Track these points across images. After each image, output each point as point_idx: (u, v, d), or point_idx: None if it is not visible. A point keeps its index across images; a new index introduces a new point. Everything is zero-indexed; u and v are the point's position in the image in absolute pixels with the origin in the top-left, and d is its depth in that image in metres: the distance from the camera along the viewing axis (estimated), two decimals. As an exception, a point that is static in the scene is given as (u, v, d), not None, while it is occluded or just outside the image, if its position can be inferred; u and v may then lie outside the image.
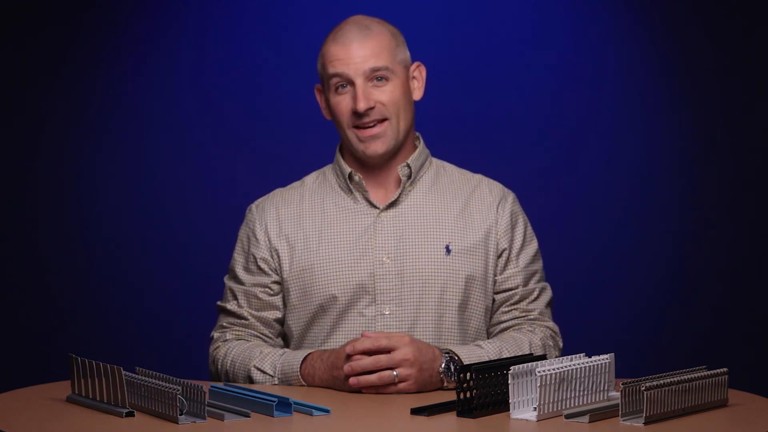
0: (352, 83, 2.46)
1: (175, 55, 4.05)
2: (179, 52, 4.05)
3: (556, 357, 2.45)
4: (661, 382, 1.92)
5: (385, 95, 2.47)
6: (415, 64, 2.55)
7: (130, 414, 1.98)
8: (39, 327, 4.04)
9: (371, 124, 2.46)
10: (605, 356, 2.06)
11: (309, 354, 2.38)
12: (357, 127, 2.47)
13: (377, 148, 2.48)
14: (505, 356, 2.36)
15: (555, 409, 1.96)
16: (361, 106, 2.44)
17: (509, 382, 1.96)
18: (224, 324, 2.56)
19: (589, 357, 2.06)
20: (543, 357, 2.13)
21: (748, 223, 4.01)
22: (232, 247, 2.60)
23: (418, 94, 2.55)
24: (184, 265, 4.04)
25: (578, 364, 2.01)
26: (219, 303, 2.59)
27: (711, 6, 4.00)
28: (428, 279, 2.47)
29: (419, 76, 2.56)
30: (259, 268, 2.53)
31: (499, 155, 3.98)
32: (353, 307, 2.46)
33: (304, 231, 2.53)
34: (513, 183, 2.68)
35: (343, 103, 2.48)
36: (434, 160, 2.61)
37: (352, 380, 2.25)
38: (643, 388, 1.89)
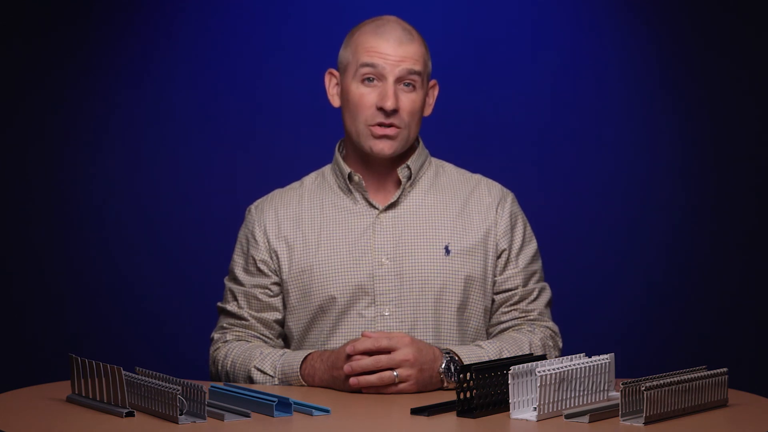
0: (382, 79, 2.45)
1: (175, 55, 4.05)
2: (178, 53, 4.05)
3: (556, 357, 2.45)
4: (661, 382, 1.93)
5: (409, 102, 2.46)
6: (433, 81, 2.55)
7: (130, 414, 1.98)
8: (39, 327, 4.04)
9: (388, 125, 2.45)
10: (605, 356, 2.06)
11: (309, 354, 2.38)
12: (372, 123, 2.46)
13: (385, 148, 2.47)
14: (505, 356, 2.36)
15: (555, 409, 1.96)
16: (389, 104, 2.42)
17: (509, 382, 1.96)
18: (224, 325, 2.56)
19: (589, 357, 2.06)
20: (543, 357, 2.13)
21: (748, 222, 4.01)
22: (232, 247, 2.60)
23: (428, 111, 2.55)
24: (184, 266, 4.03)
25: (578, 364, 2.01)
26: (219, 304, 2.59)
27: (712, 6, 4.00)
28: (427, 279, 2.46)
29: (432, 93, 2.55)
30: (259, 269, 2.53)
31: (499, 155, 3.98)
32: (353, 308, 2.46)
33: (303, 232, 2.53)
34: (513, 183, 2.68)
35: (367, 96, 2.45)
36: (433, 160, 2.61)
37: (353, 380, 2.25)
38: (643, 388, 1.89)
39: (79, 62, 4.03)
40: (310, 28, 4.01)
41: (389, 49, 2.45)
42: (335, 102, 2.53)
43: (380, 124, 2.45)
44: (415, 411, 2.03)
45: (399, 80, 2.45)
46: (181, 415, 1.93)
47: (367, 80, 2.46)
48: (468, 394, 1.98)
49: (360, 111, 2.46)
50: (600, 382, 2.05)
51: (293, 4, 4.05)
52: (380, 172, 2.53)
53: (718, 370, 2.06)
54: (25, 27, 4.01)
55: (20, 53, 4.02)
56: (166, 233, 4.04)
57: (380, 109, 2.44)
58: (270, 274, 2.53)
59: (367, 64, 2.45)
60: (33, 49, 4.02)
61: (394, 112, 2.44)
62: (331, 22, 3.97)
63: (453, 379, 2.28)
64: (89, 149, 4.04)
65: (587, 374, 2.02)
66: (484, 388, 1.99)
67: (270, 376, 2.40)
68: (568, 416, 1.94)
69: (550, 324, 2.52)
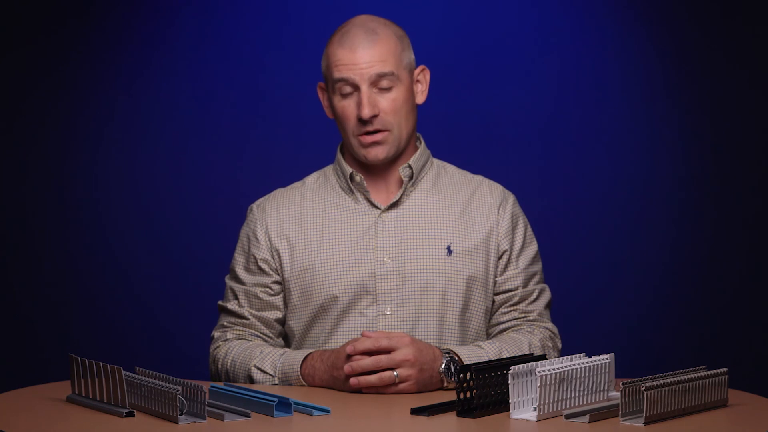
0: (357, 88, 2.45)
1: (175, 54, 4.05)
2: (179, 52, 4.05)
3: (555, 358, 2.45)
4: (661, 382, 1.92)
5: (389, 103, 2.45)
6: (420, 67, 2.54)
7: (130, 414, 1.98)
8: (38, 327, 4.04)
9: (373, 132, 2.46)
10: (605, 356, 2.06)
11: (309, 354, 2.38)
12: (359, 134, 2.47)
13: (378, 153, 2.47)
14: (504, 356, 2.36)
15: (555, 409, 1.96)
16: (366, 113, 2.43)
17: (509, 382, 1.96)
18: (225, 323, 2.56)
19: (589, 357, 2.06)
20: (543, 357, 2.13)
21: (748, 223, 4.01)
22: (233, 247, 2.60)
23: (421, 98, 2.55)
24: (185, 265, 4.04)
25: (578, 364, 2.01)
26: (220, 302, 2.59)
27: (712, 6, 4.00)
28: (429, 279, 2.46)
29: (423, 79, 2.55)
30: (260, 268, 2.53)
31: (499, 156, 3.98)
32: (354, 307, 2.46)
33: (305, 231, 2.53)
34: (513, 183, 2.68)
35: (348, 108, 2.46)
36: (435, 160, 2.61)
37: (353, 380, 2.25)
38: (643, 388, 1.89)
39: (79, 62, 4.03)
40: (310, 27, 4.01)
41: (354, 57, 2.45)
42: (330, 114, 2.55)
43: (366, 133, 2.45)
44: (415, 411, 2.03)
45: (374, 83, 2.45)
46: (181, 415, 1.93)
47: (345, 92, 2.46)
48: (468, 394, 1.98)
49: (346, 123, 2.48)
50: (600, 382, 2.05)
51: (293, 4, 4.05)
52: (381, 172, 2.53)
53: (718, 370, 2.05)
54: (25, 27, 4.01)
55: (20, 53, 4.02)
56: (167, 233, 4.05)
57: (360, 118, 2.44)
58: (271, 272, 2.53)
59: (339, 80, 2.46)
60: (33, 49, 4.02)
61: (374, 118, 2.44)
62: (332, 21, 3.94)
63: (453, 379, 2.28)
64: (89, 149, 4.04)
65: (587, 374, 2.02)
66: (484, 388, 1.99)
67: (270, 375, 2.40)
68: (568, 416, 1.94)
69: (550, 325, 2.53)
